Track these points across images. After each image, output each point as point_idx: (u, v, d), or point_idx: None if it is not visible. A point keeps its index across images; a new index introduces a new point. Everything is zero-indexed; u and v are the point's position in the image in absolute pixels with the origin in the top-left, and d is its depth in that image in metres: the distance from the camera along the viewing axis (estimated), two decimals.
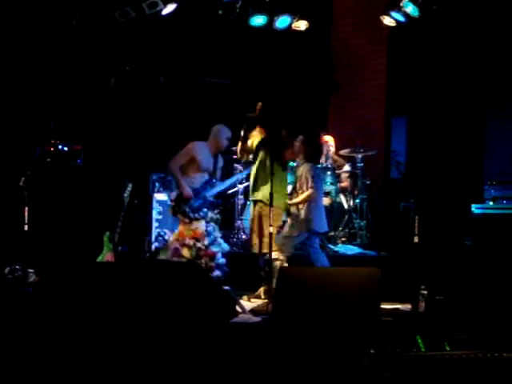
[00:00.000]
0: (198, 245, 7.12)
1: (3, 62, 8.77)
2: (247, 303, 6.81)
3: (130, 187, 8.02)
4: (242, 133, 7.47)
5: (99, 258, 7.61)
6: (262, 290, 7.17)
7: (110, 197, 8.61)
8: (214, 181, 7.39)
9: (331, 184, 8.73)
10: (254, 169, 7.38)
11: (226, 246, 7.39)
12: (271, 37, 9.46)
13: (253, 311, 6.46)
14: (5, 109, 8.78)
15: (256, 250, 7.19)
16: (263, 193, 7.14)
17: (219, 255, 7.23)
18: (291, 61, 9.96)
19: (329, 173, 8.73)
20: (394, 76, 9.88)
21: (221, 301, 5.71)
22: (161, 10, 8.82)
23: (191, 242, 7.13)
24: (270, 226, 6.64)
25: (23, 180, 6.91)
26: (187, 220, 7.21)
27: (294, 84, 9.94)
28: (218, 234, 7.38)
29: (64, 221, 8.56)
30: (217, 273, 7.13)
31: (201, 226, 7.23)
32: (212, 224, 7.33)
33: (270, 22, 9.10)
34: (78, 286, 5.43)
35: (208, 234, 7.24)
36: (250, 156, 7.54)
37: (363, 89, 9.89)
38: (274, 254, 6.83)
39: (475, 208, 7.83)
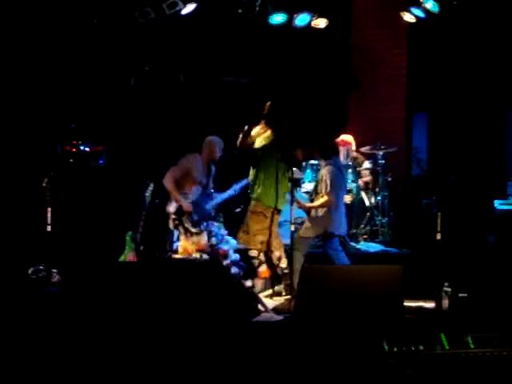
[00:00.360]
0: (204, 256, 7.17)
1: (26, 62, 8.83)
2: (269, 301, 6.81)
3: (151, 187, 8.05)
4: (246, 126, 7.44)
5: (121, 258, 7.64)
6: (282, 286, 7.19)
7: (131, 197, 8.64)
8: (212, 192, 7.43)
9: (352, 181, 8.70)
10: (253, 168, 7.43)
11: (234, 243, 7.42)
12: (291, 35, 9.45)
13: (275, 310, 6.46)
14: (27, 110, 8.84)
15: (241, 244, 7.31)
16: (258, 192, 7.27)
17: (231, 252, 7.25)
18: (311, 59, 9.94)
19: (350, 170, 8.70)
20: (414, 72, 9.82)
21: (243, 299, 5.72)
22: (180, 10, 8.85)
23: (198, 255, 7.18)
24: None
25: (46, 181, 6.95)
26: (189, 234, 7.24)
27: (313, 82, 9.92)
28: (223, 231, 7.45)
29: (86, 221, 8.60)
30: (234, 270, 7.14)
31: (202, 237, 7.25)
32: (215, 224, 7.37)
33: (290, 20, 9.09)
34: (100, 286, 5.46)
35: (214, 234, 7.28)
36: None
37: (384, 86, 9.84)
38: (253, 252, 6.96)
39: (498, 204, 7.78)
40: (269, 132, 7.44)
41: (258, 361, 4.61)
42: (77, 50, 9.15)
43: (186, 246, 7.21)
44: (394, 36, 9.80)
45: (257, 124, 7.53)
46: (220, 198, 7.52)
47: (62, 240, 7.77)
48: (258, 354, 4.73)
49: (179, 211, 7.23)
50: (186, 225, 7.21)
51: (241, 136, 7.51)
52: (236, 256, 7.27)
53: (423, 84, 9.86)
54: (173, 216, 7.24)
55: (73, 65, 9.16)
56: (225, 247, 7.25)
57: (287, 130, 7.45)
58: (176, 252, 7.33)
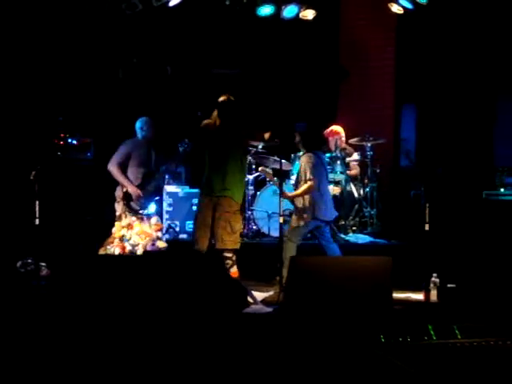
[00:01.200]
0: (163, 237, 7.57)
1: (12, 55, 8.77)
2: (258, 293, 6.82)
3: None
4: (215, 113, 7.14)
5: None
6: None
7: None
8: (152, 173, 7.59)
9: (341, 173, 8.69)
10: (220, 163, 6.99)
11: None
12: (279, 26, 9.43)
13: (264, 301, 6.47)
14: (14, 103, 8.79)
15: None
16: (229, 191, 6.93)
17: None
18: (299, 50, 9.92)
19: (338, 162, 8.69)
20: (402, 63, 9.83)
21: (232, 291, 5.72)
22: (168, 2, 8.82)
23: (160, 234, 7.50)
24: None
25: (34, 174, 6.91)
26: (140, 217, 7.43)
27: (302, 73, 9.91)
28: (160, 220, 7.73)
29: (75, 214, 8.58)
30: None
31: (158, 218, 7.61)
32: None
33: (278, 12, 9.07)
34: (89, 279, 5.45)
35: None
36: None
37: (372, 77, 9.85)
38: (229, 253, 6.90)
39: (486, 194, 7.80)
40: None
41: (247, 352, 4.62)
42: (65, 42, 9.10)
43: (143, 230, 7.35)
44: (382, 27, 9.80)
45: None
46: (158, 176, 7.74)
47: (51, 233, 7.74)
48: (247, 346, 4.74)
49: (126, 196, 7.43)
50: (136, 208, 7.41)
51: (206, 122, 7.23)
52: None
53: (411, 75, 9.87)
54: (122, 201, 7.45)
55: (60, 57, 9.11)
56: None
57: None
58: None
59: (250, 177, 8.94)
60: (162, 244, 7.39)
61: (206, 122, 7.18)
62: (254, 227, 8.79)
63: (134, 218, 7.40)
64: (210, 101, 9.57)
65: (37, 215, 6.70)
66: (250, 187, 8.93)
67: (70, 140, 8.79)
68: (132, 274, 5.41)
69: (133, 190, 7.41)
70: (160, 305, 5.11)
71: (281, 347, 4.71)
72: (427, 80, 9.66)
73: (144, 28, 9.39)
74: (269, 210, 8.51)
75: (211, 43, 9.75)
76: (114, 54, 9.42)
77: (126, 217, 7.40)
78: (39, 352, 4.61)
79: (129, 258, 7.03)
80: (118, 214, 7.49)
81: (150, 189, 7.56)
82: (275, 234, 8.33)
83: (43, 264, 7.07)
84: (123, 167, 7.49)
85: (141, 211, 7.45)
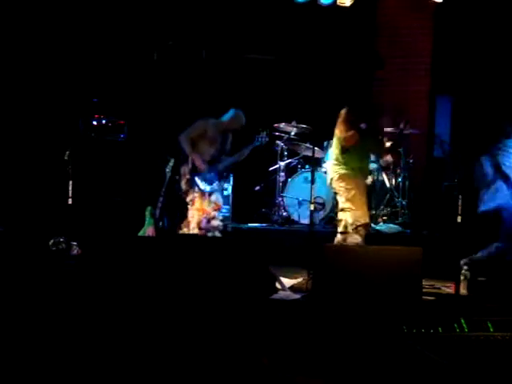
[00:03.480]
0: (219, 216, 7.48)
1: (51, 37, 8.84)
2: (287, 280, 6.82)
3: (171, 162, 8.06)
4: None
5: (141, 233, 7.67)
6: None
7: (152, 172, 8.66)
8: (222, 156, 7.54)
9: (373, 162, 8.65)
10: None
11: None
12: (316, 12, 9.37)
13: (292, 288, 6.46)
14: (50, 84, 8.86)
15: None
16: None
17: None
18: (335, 37, 9.85)
19: None
20: (439, 53, 9.72)
21: (261, 277, 5.72)
22: None
23: (216, 214, 7.42)
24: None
25: (67, 154, 6.98)
26: (205, 194, 7.40)
27: (337, 61, 9.84)
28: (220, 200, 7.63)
29: (107, 195, 8.65)
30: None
31: (218, 197, 7.51)
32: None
33: None
34: (119, 260, 5.48)
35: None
36: None
37: (408, 66, 9.75)
38: None
39: None
40: None
41: (273, 338, 4.63)
42: (102, 24, 9.14)
43: (202, 206, 7.34)
44: (420, 16, 9.70)
45: None
46: (231, 159, 7.63)
47: (83, 213, 7.82)
48: (273, 332, 4.74)
49: (193, 169, 7.39)
50: (200, 183, 7.36)
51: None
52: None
53: (448, 65, 9.75)
54: (187, 176, 7.41)
55: (97, 39, 9.15)
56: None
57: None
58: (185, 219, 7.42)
59: (282, 163, 8.93)
60: (216, 223, 7.39)
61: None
62: (284, 214, 8.79)
63: (196, 194, 7.40)
64: (242, 85, 9.63)
65: (70, 195, 6.77)
66: (282, 174, 8.92)
67: (104, 121, 8.85)
68: (161, 257, 5.44)
69: (199, 163, 7.36)
70: (188, 289, 5.13)
71: (308, 334, 4.71)
72: (464, 70, 9.54)
73: (181, 11, 9.39)
74: (299, 197, 8.50)
75: (247, 28, 9.72)
76: (149, 37, 9.44)
77: (190, 193, 7.43)
78: (68, 331, 4.66)
79: (158, 240, 7.07)
80: (183, 191, 7.51)
81: (217, 167, 7.53)
82: (305, 221, 8.34)
83: (74, 243, 7.14)
84: (195, 142, 7.45)
85: (203, 187, 7.42)
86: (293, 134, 8.77)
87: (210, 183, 7.44)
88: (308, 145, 8.40)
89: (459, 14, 9.34)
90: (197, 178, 7.41)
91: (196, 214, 7.34)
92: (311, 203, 6.82)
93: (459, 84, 9.77)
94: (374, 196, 8.56)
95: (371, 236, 7.40)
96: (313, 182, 6.82)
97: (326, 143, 8.73)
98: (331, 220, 8.79)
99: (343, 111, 6.74)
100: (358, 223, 6.65)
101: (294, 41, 9.84)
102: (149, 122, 9.28)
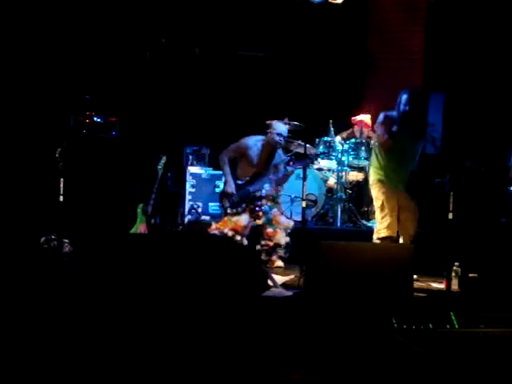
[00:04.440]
0: (238, 237, 7.21)
1: (42, 33, 8.81)
2: (279, 277, 6.82)
3: (163, 160, 8.07)
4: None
5: (132, 230, 7.67)
6: None
7: (144, 169, 8.66)
8: (262, 177, 7.47)
9: (365, 159, 8.66)
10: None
11: (287, 223, 7.48)
12: (307, 10, 9.37)
13: (284, 285, 6.47)
14: (41, 80, 8.83)
15: None
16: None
17: (280, 234, 7.32)
18: (327, 34, 9.86)
19: (363, 148, 8.66)
20: (432, 51, 9.72)
21: (252, 274, 5.72)
22: None
23: (230, 233, 7.22)
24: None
25: (59, 151, 6.95)
26: (229, 213, 7.37)
27: (329, 58, 9.85)
28: (275, 212, 7.44)
29: (98, 192, 8.63)
30: (280, 252, 7.32)
31: (243, 219, 7.32)
32: (266, 204, 7.39)
33: None
34: (111, 257, 5.48)
35: (264, 213, 7.29)
36: None
37: (400, 63, 9.76)
38: None
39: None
40: None
41: (264, 336, 4.63)
42: (93, 20, 9.11)
43: (226, 220, 7.33)
44: (412, 13, 9.70)
45: None
46: (267, 181, 7.53)
47: (75, 210, 7.80)
48: (265, 329, 4.74)
49: (223, 192, 7.46)
50: (225, 205, 7.35)
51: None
52: (286, 239, 7.36)
53: (440, 63, 9.76)
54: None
55: (89, 36, 9.12)
56: (270, 229, 7.31)
57: None
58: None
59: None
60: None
61: None
62: None
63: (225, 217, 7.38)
64: (234, 83, 9.62)
65: (61, 192, 6.75)
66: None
67: (95, 118, 8.82)
68: (153, 254, 5.44)
69: (227, 186, 7.39)
70: (179, 286, 5.13)
71: (299, 331, 4.71)
72: (457, 68, 9.54)
73: (172, 8, 9.37)
74: (292, 194, 8.50)
75: (239, 25, 9.71)
76: (142, 34, 9.42)
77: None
78: (60, 328, 4.65)
79: (150, 237, 7.07)
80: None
81: (251, 189, 7.45)
82: (297, 218, 8.33)
83: (66, 241, 7.13)
84: (235, 161, 7.46)
85: (229, 210, 7.39)
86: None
87: (235, 207, 7.37)
88: (300, 142, 8.39)
89: (452, 10, 9.35)
90: (224, 200, 7.44)
91: (215, 225, 7.36)
92: (303, 200, 6.81)
93: (452, 81, 9.78)
94: (367, 192, 8.55)
95: (363, 233, 7.42)
96: (305, 178, 6.81)
97: (317, 140, 8.73)
98: (323, 217, 8.81)
99: (381, 115, 6.77)
100: (380, 236, 6.72)
101: (286, 38, 9.84)
102: (141, 119, 9.26)
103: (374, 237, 6.87)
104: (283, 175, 7.68)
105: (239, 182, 7.44)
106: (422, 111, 6.75)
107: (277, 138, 7.42)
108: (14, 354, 4.17)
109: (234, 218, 7.31)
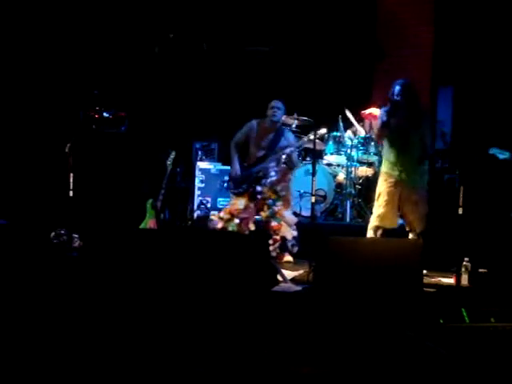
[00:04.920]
0: (236, 220, 7.28)
1: (51, 28, 8.83)
2: (288, 272, 6.82)
3: (173, 155, 8.08)
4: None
5: (142, 225, 7.68)
6: None
7: (153, 164, 8.67)
8: (266, 158, 7.47)
9: (374, 154, 8.64)
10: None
11: (291, 218, 7.47)
12: (315, 3, 9.35)
13: (294, 280, 6.46)
14: (51, 75, 8.85)
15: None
16: None
17: (285, 228, 7.33)
18: (336, 28, 9.84)
19: (372, 143, 8.64)
20: (441, 44, 9.69)
21: (262, 269, 5.72)
22: None
23: (225, 216, 7.31)
24: None
25: (68, 146, 6.97)
26: (232, 193, 7.49)
27: (338, 52, 9.83)
28: (279, 206, 7.42)
29: (108, 187, 8.65)
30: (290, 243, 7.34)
31: (238, 203, 7.39)
32: (272, 197, 7.40)
33: None
34: (120, 252, 5.49)
35: (268, 206, 7.33)
36: None
37: (409, 57, 9.73)
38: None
39: None
40: None
41: (274, 331, 4.63)
42: (102, 16, 9.13)
43: (230, 205, 7.47)
44: (420, 7, 9.67)
45: None
46: (269, 162, 7.52)
47: (84, 205, 7.82)
48: (274, 324, 4.75)
49: (230, 175, 7.58)
50: (230, 187, 7.56)
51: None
52: (293, 233, 7.38)
53: (449, 56, 9.73)
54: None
55: (98, 32, 9.14)
56: (275, 222, 7.32)
57: None
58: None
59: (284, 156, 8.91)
60: (220, 226, 7.35)
61: None
62: None
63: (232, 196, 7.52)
64: (243, 78, 9.62)
65: (71, 187, 6.77)
66: (283, 166, 8.90)
67: (104, 113, 8.84)
68: (163, 249, 5.45)
69: (231, 169, 7.50)
70: (189, 281, 5.14)
71: (309, 325, 4.72)
72: (465, 62, 9.51)
73: (181, 4, 9.37)
74: (301, 190, 8.49)
75: (247, 19, 9.70)
76: (150, 29, 9.43)
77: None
78: (70, 323, 4.67)
79: (159, 232, 7.08)
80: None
81: (254, 170, 7.49)
82: (306, 213, 8.33)
83: (76, 235, 7.15)
84: (243, 146, 7.54)
85: (231, 190, 7.54)
86: (294, 126, 8.75)
87: (237, 187, 7.47)
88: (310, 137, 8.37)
89: (460, 3, 9.31)
90: (229, 183, 7.56)
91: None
92: (312, 195, 6.81)
93: (461, 75, 9.75)
94: (376, 188, 8.53)
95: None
96: (314, 174, 6.80)
97: (326, 136, 8.71)
98: (332, 212, 8.80)
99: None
100: (372, 225, 6.76)
101: (294, 32, 9.82)
102: (150, 114, 9.27)
103: (369, 226, 6.86)
104: (287, 155, 7.63)
105: (245, 165, 7.52)
106: (415, 102, 6.72)
107: (272, 113, 7.44)
108: (24, 348, 4.19)
109: (231, 202, 7.44)
